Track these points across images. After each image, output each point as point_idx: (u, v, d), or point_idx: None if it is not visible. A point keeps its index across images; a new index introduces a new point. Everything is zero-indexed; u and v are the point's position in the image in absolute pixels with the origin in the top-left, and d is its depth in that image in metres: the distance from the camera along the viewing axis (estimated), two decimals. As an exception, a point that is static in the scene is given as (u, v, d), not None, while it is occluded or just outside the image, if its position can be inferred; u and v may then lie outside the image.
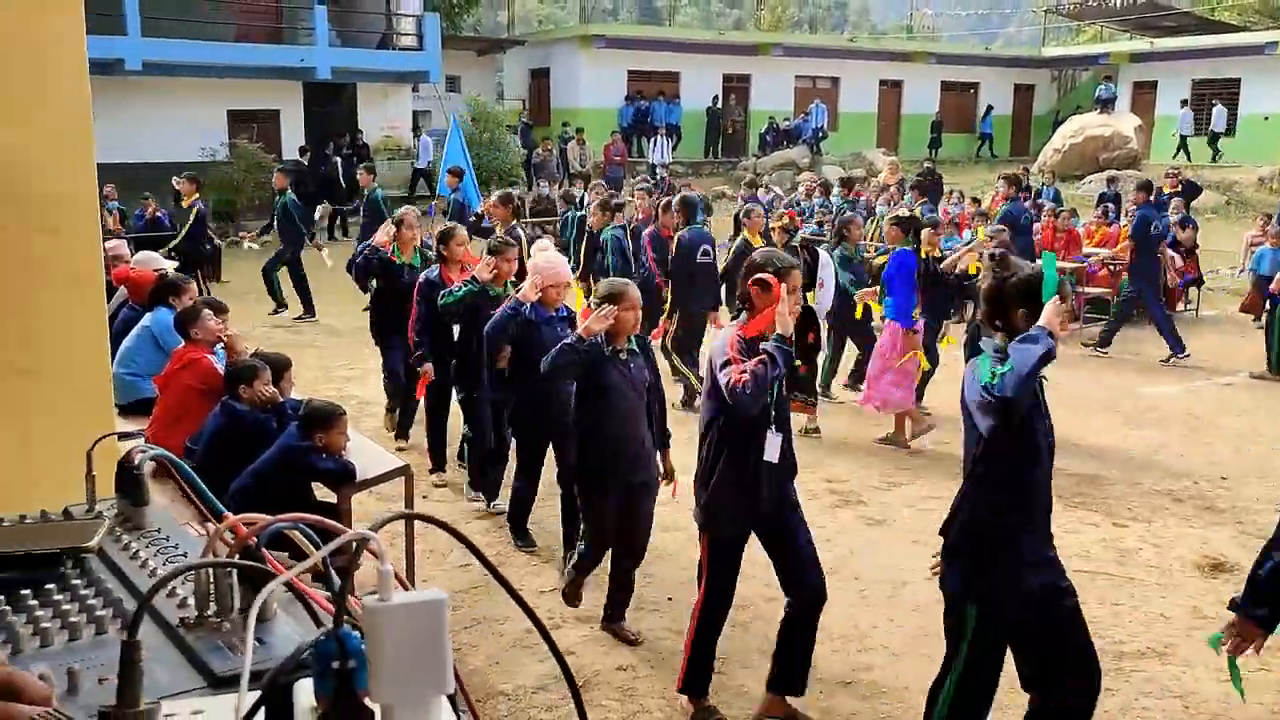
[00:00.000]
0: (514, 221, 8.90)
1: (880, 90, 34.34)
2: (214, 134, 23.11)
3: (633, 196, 14.41)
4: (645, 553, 5.28)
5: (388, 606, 0.82)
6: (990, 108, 34.90)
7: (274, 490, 4.80)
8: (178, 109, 22.67)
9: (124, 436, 4.16)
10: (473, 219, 10.77)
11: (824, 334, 8.22)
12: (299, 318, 14.27)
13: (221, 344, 6.21)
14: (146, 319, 7.04)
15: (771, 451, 4.19)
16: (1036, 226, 14.20)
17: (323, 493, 5.37)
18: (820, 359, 8.54)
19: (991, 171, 26.91)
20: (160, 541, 1.32)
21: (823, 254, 9.69)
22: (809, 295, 7.98)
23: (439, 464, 7.65)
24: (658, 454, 5.22)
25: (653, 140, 28.50)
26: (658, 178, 23.90)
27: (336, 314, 14.15)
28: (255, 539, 1.07)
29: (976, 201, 17.07)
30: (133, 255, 8.93)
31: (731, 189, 27.76)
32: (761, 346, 4.14)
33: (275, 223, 14.46)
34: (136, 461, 1.43)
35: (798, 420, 7.34)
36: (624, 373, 5.03)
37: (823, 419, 8.93)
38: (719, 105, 31.13)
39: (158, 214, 15.89)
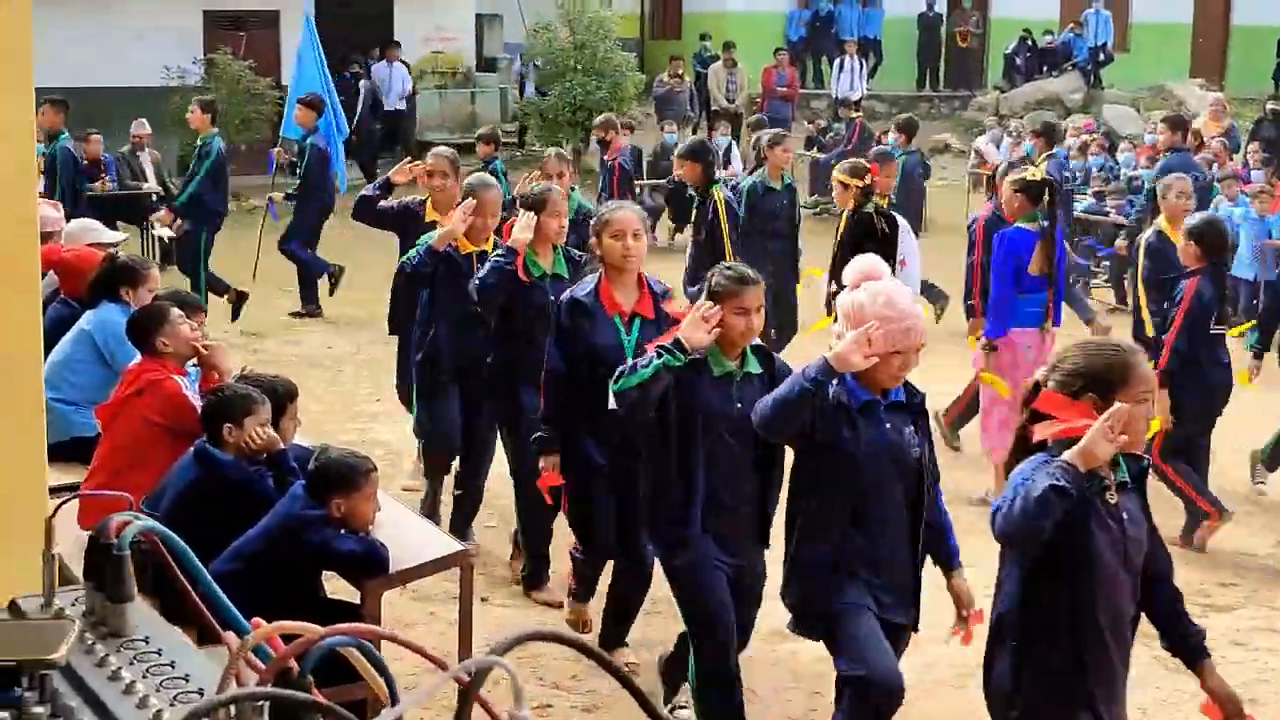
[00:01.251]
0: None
1: (1198, -13, 33.71)
2: (183, 47, 23.80)
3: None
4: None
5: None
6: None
7: (269, 580, 4.92)
8: (131, 11, 23.33)
9: (55, 492, 4.35)
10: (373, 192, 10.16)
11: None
12: (300, 313, 14.82)
13: (194, 359, 6.41)
14: (86, 320, 7.30)
15: None
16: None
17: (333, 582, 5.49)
18: None
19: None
20: (149, 656, 1.37)
21: (903, 223, 10.19)
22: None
23: (538, 577, 7.64)
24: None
25: (838, 62, 28.48)
26: (842, 121, 23.81)
27: (353, 310, 14.47)
28: (299, 661, 1.10)
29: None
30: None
31: (959, 138, 27.53)
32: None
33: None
34: (119, 539, 1.49)
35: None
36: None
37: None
38: (938, 10, 30.95)
39: (102, 158, 16.51)
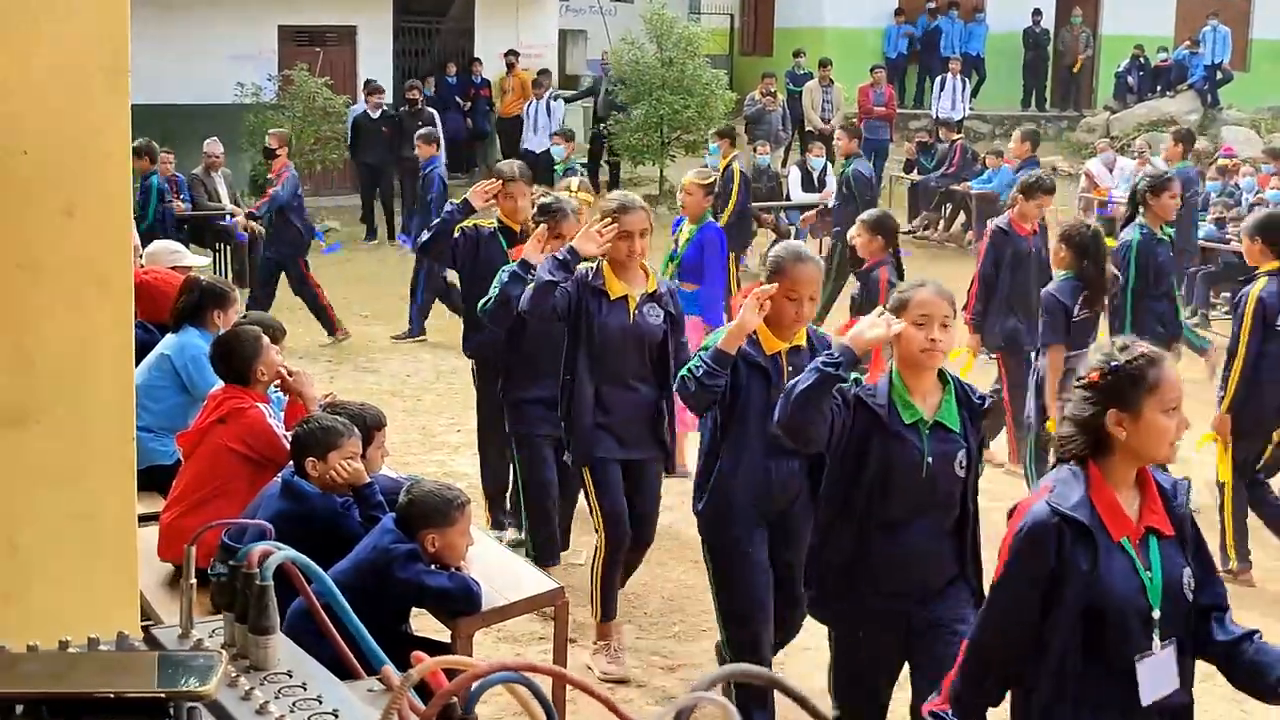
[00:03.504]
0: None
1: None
2: (258, 63, 24.14)
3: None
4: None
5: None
6: None
7: (359, 615, 4.94)
8: (203, 26, 23.58)
9: (144, 521, 4.40)
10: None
11: None
12: (402, 336, 15.19)
13: (278, 387, 6.50)
14: (166, 345, 7.42)
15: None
16: None
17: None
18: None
19: None
20: (294, 690, 1.40)
21: None
22: None
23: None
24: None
25: (939, 80, 28.38)
26: (945, 142, 23.70)
27: (434, 337, 14.59)
28: (462, 698, 1.12)
29: None
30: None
31: (1068, 160, 27.32)
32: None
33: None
34: (260, 569, 1.52)
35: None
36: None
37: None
38: (1045, 26, 30.79)
39: (175, 175, 16.81)
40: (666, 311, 7.08)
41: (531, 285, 6.81)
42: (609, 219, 6.82)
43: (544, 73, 25.21)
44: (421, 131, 17.29)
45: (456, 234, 8.34)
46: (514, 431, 8.00)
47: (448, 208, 8.62)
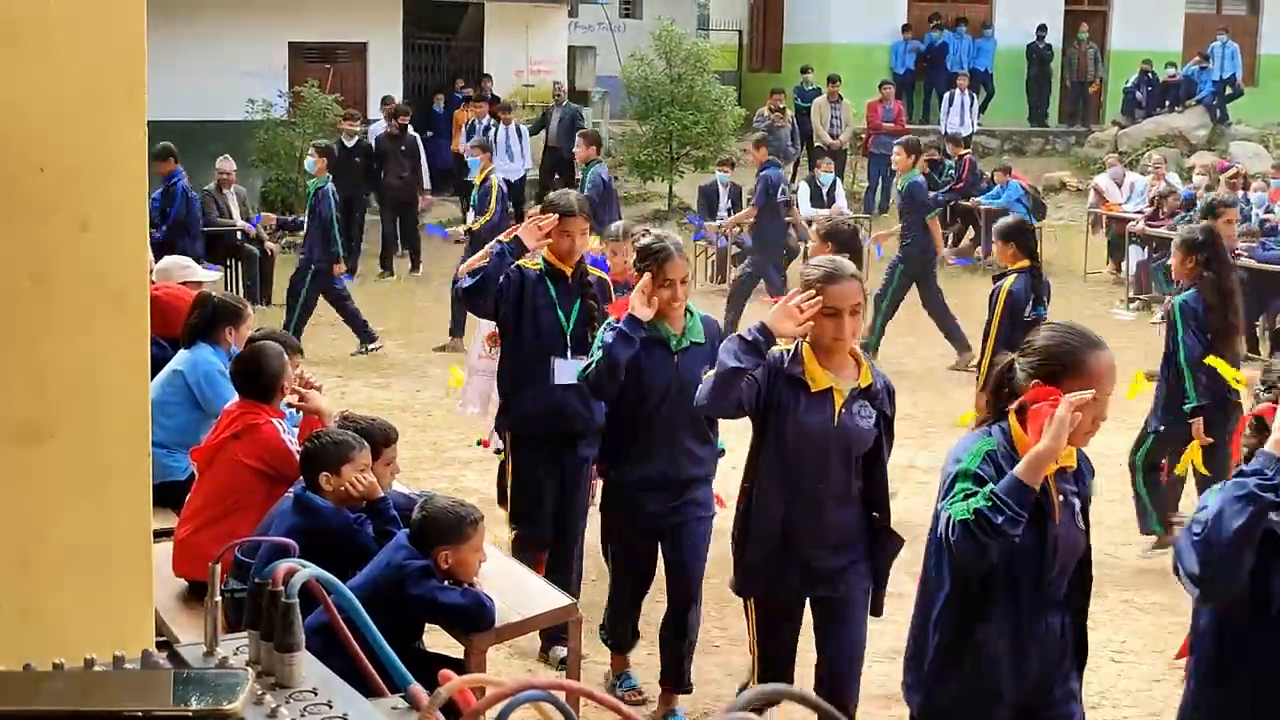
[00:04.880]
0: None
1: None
2: (268, 79, 24.20)
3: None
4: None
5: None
6: None
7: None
8: (214, 43, 23.68)
9: (157, 537, 4.41)
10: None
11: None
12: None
13: (291, 403, 6.50)
14: (179, 360, 7.44)
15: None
16: None
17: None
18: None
19: None
20: (320, 708, 1.39)
21: None
22: None
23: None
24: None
25: (947, 96, 28.40)
26: (953, 156, 23.69)
27: (447, 355, 14.59)
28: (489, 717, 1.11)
29: None
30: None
31: (1076, 175, 27.31)
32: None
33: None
34: (286, 586, 1.52)
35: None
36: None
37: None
38: (1049, 40, 30.79)
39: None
40: (880, 412, 5.72)
41: (712, 374, 5.49)
42: (811, 291, 5.46)
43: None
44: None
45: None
46: (614, 527, 6.89)
47: (495, 247, 7.23)
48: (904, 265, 14.95)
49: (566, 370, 7.03)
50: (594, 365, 6.33)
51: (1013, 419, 4.45)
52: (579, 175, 17.46)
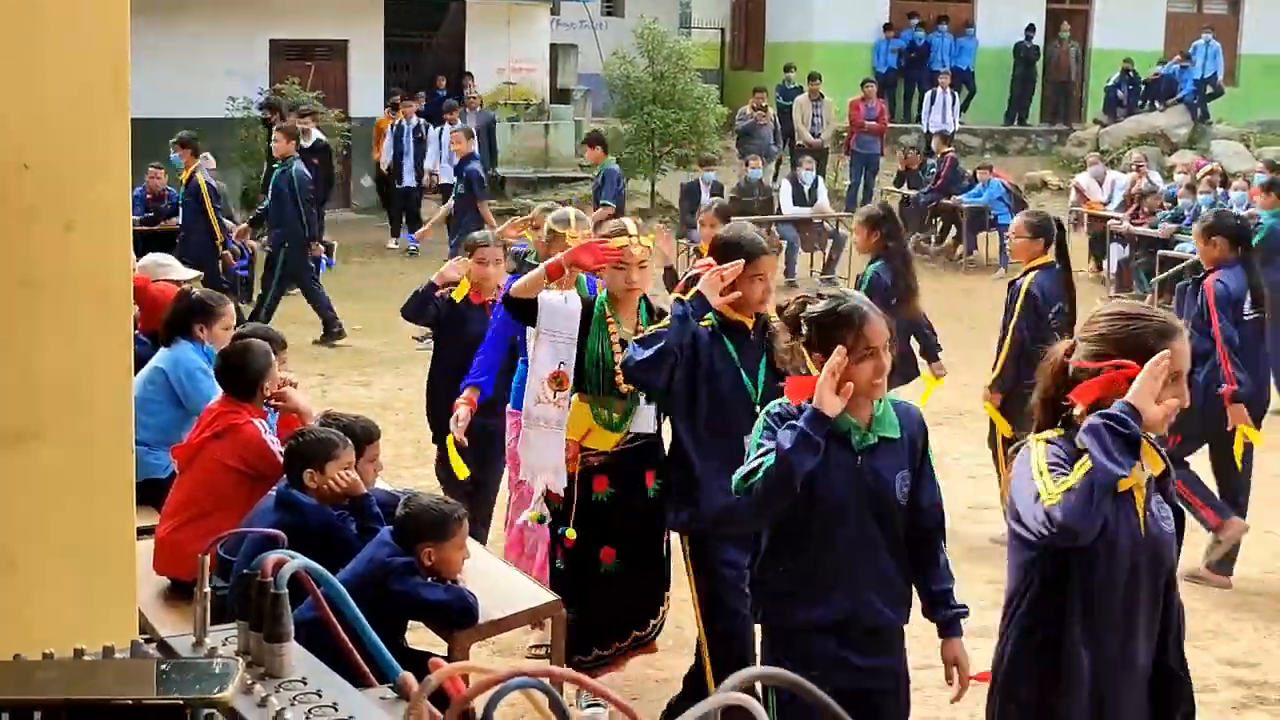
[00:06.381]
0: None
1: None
2: (248, 77, 24.16)
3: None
4: None
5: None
6: None
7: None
8: (194, 40, 23.66)
9: (138, 535, 4.41)
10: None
11: None
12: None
13: (270, 400, 6.50)
14: (160, 359, 7.42)
15: None
16: None
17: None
18: None
19: None
20: (309, 697, 1.41)
21: None
22: None
23: None
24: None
25: (929, 94, 28.44)
26: (937, 154, 23.74)
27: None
28: (478, 707, 1.13)
29: None
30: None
31: (1058, 174, 27.39)
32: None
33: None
34: (276, 577, 1.54)
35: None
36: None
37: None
38: (1035, 41, 30.86)
39: (165, 190, 16.76)
40: (1175, 508, 4.34)
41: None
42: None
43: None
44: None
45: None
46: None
47: (676, 309, 5.72)
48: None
49: None
50: (760, 474, 4.45)
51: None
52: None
